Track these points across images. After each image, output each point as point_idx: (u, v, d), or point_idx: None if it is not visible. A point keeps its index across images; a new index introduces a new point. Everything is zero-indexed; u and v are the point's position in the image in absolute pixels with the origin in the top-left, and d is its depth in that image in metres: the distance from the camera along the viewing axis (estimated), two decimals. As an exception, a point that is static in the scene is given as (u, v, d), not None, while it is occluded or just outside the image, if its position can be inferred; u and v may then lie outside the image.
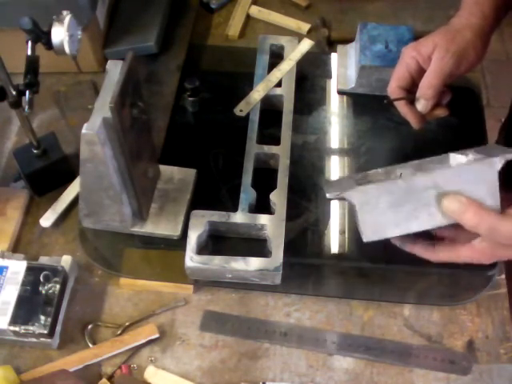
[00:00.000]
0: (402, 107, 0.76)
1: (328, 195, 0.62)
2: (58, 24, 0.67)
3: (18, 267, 0.70)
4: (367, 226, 0.62)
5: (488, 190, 0.59)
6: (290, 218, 0.74)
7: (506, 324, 0.71)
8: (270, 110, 0.85)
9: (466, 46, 0.70)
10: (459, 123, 0.85)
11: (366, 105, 0.88)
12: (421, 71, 0.73)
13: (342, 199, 0.62)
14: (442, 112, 0.74)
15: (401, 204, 0.60)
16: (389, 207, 0.60)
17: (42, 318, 0.67)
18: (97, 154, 0.63)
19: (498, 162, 0.58)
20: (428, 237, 0.65)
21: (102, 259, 0.75)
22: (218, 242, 0.75)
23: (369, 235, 0.62)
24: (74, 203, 0.78)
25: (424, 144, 0.82)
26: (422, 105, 0.73)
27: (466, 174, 0.58)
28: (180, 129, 0.86)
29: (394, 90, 0.75)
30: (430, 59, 0.71)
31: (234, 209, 0.74)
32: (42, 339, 0.68)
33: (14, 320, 0.66)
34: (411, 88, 0.74)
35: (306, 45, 0.90)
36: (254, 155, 0.79)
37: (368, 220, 0.62)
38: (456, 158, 0.64)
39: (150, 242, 0.75)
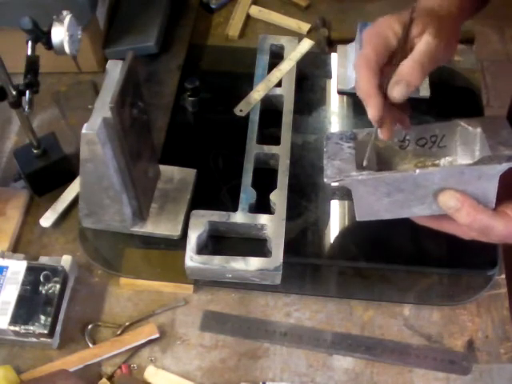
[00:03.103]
0: (368, 87, 0.59)
1: (326, 180, 0.62)
2: (58, 24, 0.67)
3: (18, 267, 0.69)
4: (361, 208, 0.63)
5: (486, 189, 0.59)
6: (290, 218, 0.74)
7: (506, 324, 0.71)
8: (270, 109, 0.85)
9: (451, 38, 0.62)
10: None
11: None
12: (395, 51, 0.60)
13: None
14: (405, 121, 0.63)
15: (397, 194, 0.61)
16: (385, 196, 0.61)
17: (42, 317, 0.67)
18: (97, 154, 0.63)
19: (503, 168, 0.58)
20: None
21: (102, 259, 0.75)
22: (218, 242, 0.75)
23: (362, 216, 0.64)
24: (74, 203, 0.78)
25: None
26: (400, 90, 0.58)
27: (468, 173, 0.58)
28: (180, 129, 0.86)
29: (371, 64, 0.59)
30: (412, 41, 0.60)
31: (234, 209, 0.74)
32: (42, 339, 0.68)
33: (14, 320, 0.66)
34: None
35: (306, 45, 0.90)
36: (254, 155, 0.79)
37: (363, 203, 0.63)
38: (463, 127, 0.63)
39: (149, 242, 0.75)
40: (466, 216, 0.58)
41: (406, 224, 0.65)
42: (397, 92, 0.58)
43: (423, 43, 0.60)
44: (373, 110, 0.58)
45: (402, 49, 0.61)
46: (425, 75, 0.59)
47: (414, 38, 0.61)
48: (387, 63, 0.61)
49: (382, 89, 0.59)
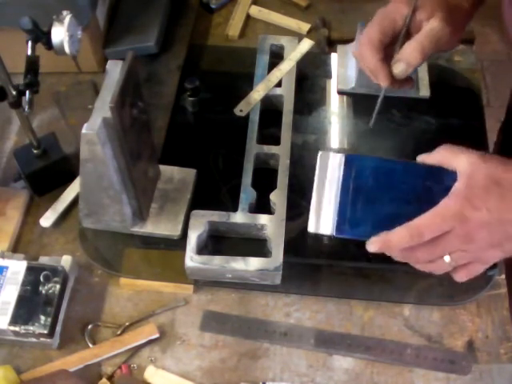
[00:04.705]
0: (373, 61, 0.68)
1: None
2: (58, 24, 0.67)
3: (18, 267, 0.69)
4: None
5: None
6: (290, 218, 0.74)
7: (506, 324, 0.71)
8: (270, 109, 0.85)
9: (457, 26, 0.67)
10: (459, 123, 0.85)
11: (366, 105, 0.88)
12: (399, 34, 0.67)
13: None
14: (409, 85, 0.71)
15: None
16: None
17: (42, 318, 0.67)
18: (97, 154, 0.63)
19: None
20: None
21: (102, 259, 0.75)
22: (218, 242, 0.75)
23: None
24: (74, 203, 0.78)
25: (424, 144, 0.82)
26: (400, 68, 0.67)
27: None
28: (180, 129, 0.86)
29: (375, 42, 0.67)
30: (419, 25, 0.67)
31: (234, 209, 0.74)
32: (41, 339, 0.68)
33: (14, 320, 0.66)
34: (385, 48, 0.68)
35: (306, 45, 0.90)
36: (254, 155, 0.79)
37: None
38: None
39: (150, 242, 0.75)
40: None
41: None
42: (397, 69, 0.67)
43: (429, 26, 0.66)
44: (382, 83, 0.68)
45: (408, 31, 0.67)
46: (425, 56, 0.66)
47: (422, 21, 0.66)
48: (392, 43, 0.68)
49: (387, 63, 0.67)
